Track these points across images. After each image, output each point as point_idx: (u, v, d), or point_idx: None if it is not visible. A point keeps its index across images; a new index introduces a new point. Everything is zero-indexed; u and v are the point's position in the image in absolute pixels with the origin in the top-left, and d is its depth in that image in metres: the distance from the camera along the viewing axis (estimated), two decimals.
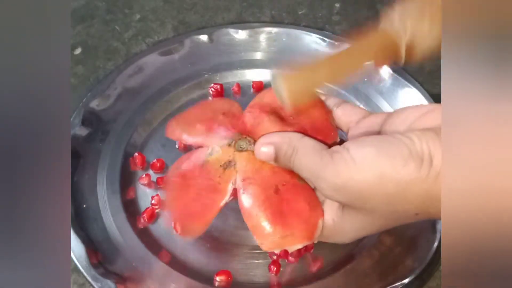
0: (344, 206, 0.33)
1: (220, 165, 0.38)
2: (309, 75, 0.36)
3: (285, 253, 0.37)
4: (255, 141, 0.37)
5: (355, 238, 0.36)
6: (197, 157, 0.39)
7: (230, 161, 0.38)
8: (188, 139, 0.41)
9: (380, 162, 0.28)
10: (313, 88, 0.37)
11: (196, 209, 0.37)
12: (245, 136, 0.39)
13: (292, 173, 0.36)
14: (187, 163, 0.39)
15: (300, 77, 0.36)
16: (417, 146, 0.28)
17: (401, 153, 0.27)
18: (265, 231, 0.35)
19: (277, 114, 0.39)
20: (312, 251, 0.43)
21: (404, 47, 0.34)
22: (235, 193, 0.37)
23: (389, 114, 0.34)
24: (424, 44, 0.34)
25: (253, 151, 0.37)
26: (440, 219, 0.30)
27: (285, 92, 0.35)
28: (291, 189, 0.36)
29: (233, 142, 0.39)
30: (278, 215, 0.35)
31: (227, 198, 0.37)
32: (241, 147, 0.38)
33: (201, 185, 0.37)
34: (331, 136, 0.38)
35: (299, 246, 0.35)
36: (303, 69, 0.36)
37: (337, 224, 0.34)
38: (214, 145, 0.39)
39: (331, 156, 0.30)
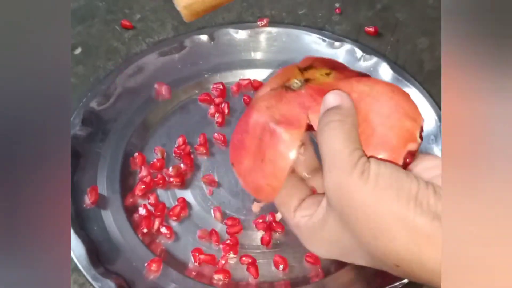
0: (327, 213, 0.31)
1: None
2: None
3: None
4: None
5: (329, 253, 0.33)
6: None
7: None
8: None
9: (392, 186, 0.28)
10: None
11: None
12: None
13: None
14: None
15: None
16: (426, 195, 0.28)
17: (410, 190, 0.28)
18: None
19: None
20: None
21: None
22: None
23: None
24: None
25: None
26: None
27: (179, 7, 0.37)
28: None
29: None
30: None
31: None
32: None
33: None
34: None
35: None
36: None
37: (316, 225, 0.32)
38: None
39: (358, 157, 0.29)
